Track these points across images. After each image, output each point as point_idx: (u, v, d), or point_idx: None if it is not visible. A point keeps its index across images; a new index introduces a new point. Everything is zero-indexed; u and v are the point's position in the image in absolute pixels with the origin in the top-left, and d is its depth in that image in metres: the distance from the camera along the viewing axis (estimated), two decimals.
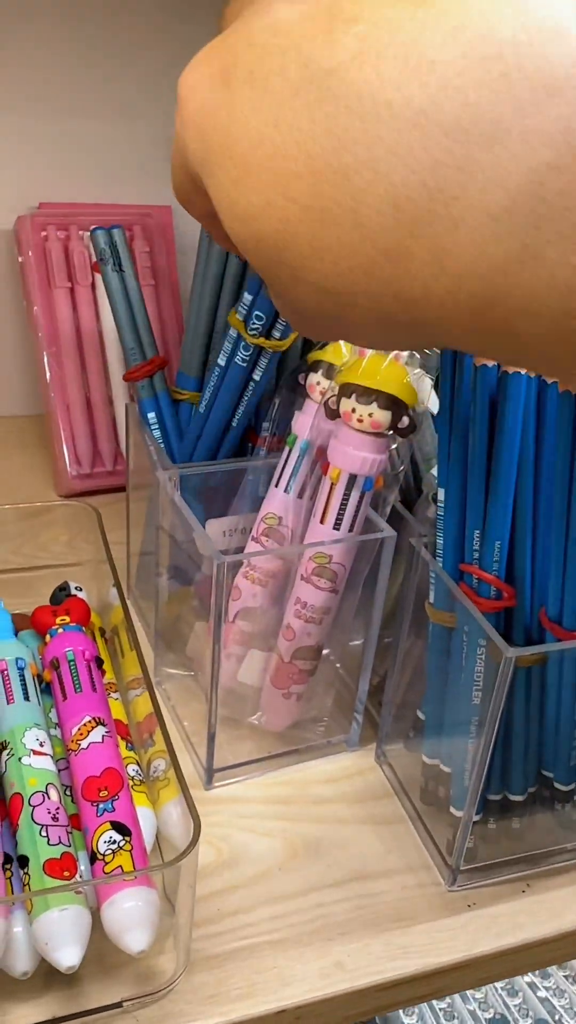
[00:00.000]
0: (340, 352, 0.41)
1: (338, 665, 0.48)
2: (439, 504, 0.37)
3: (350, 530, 0.39)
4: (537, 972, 0.72)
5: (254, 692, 0.44)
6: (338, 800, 0.43)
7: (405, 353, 0.38)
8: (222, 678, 0.44)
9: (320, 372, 0.41)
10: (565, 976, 0.71)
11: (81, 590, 0.50)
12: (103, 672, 0.43)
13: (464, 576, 0.36)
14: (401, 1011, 0.78)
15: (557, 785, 0.38)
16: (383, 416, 0.37)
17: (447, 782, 0.39)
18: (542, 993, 0.70)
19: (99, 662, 0.42)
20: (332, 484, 0.39)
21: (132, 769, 0.39)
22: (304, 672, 0.42)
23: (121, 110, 0.64)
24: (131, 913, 0.31)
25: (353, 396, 0.37)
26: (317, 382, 0.41)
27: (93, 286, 0.63)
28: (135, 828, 0.35)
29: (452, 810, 0.38)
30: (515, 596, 0.35)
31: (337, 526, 0.39)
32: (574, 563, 0.33)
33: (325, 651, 0.44)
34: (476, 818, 0.38)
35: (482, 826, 0.39)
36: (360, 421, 0.37)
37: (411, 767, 0.42)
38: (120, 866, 0.33)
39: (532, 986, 0.71)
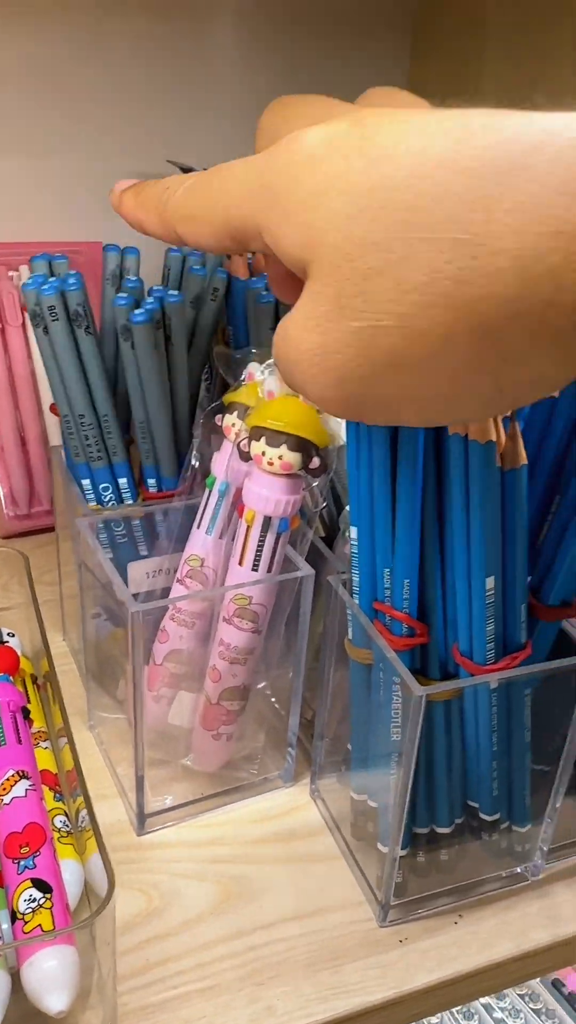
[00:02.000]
0: (255, 393, 0.41)
1: (273, 699, 0.48)
2: (352, 542, 0.37)
3: (268, 571, 0.39)
4: (493, 993, 0.72)
5: (185, 733, 0.44)
6: (272, 839, 0.43)
7: None
8: (152, 721, 0.44)
9: (235, 414, 0.41)
10: (520, 995, 0.71)
11: (14, 635, 0.49)
12: (30, 722, 0.42)
13: (378, 614, 0.36)
14: None
15: (483, 815, 0.39)
16: (293, 458, 0.37)
17: (375, 817, 0.39)
18: (498, 1015, 0.70)
19: (26, 712, 0.42)
20: (248, 526, 0.39)
21: (60, 820, 0.38)
22: (232, 712, 0.42)
23: (47, 146, 0.64)
24: (49, 973, 0.31)
25: (263, 439, 0.37)
26: (232, 424, 0.41)
27: (24, 326, 0.62)
28: (57, 884, 0.34)
29: (379, 846, 0.38)
30: (428, 632, 0.36)
31: (255, 567, 0.39)
32: (479, 600, 0.33)
33: (260, 684, 0.44)
34: (403, 852, 0.38)
35: (411, 859, 0.39)
36: (271, 464, 0.37)
37: (344, 802, 0.42)
38: (40, 925, 0.33)
39: (488, 1007, 0.71)
